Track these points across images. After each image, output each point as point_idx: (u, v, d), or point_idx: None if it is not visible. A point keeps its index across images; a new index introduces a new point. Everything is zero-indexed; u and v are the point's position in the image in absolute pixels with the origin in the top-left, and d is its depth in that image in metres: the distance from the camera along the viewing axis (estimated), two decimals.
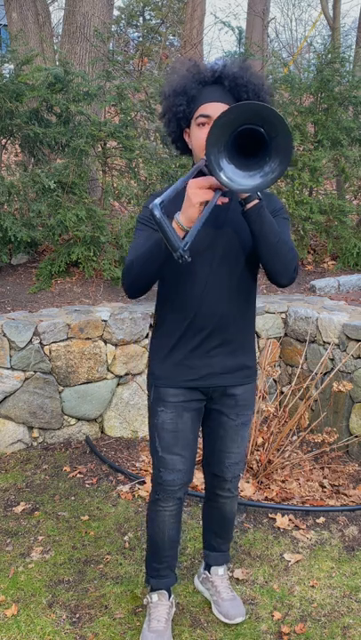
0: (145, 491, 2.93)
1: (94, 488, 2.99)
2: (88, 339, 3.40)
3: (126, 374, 3.55)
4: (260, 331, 3.83)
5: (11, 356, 3.24)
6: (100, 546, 2.53)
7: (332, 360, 3.47)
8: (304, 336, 3.69)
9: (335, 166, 4.97)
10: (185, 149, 1.82)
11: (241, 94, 1.67)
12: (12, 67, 4.32)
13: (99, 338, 3.43)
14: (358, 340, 3.29)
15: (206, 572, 2.22)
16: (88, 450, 3.39)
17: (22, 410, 3.31)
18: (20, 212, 4.04)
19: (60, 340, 3.33)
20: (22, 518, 2.72)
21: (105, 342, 3.46)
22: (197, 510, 2.79)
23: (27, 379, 3.29)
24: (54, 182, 3.85)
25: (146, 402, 3.34)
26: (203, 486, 2.86)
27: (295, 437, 3.37)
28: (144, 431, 3.61)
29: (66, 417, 3.44)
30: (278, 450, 3.10)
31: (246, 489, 2.90)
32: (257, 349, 3.85)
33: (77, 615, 2.14)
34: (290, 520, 2.71)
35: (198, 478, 2.98)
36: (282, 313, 3.87)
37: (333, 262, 4.95)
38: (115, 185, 4.45)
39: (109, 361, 3.48)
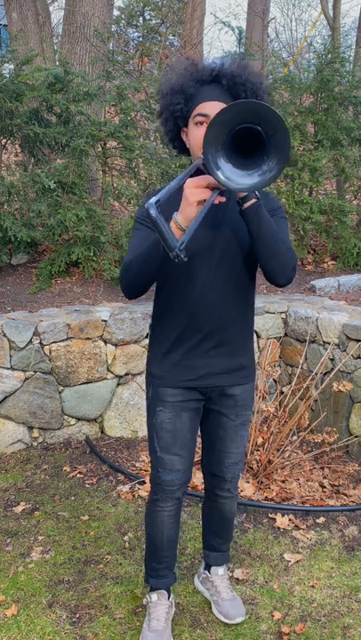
0: (145, 491, 2.93)
1: (94, 488, 2.99)
2: (88, 339, 3.40)
3: (126, 374, 3.55)
4: (260, 331, 3.83)
5: (11, 356, 3.24)
6: (100, 546, 2.53)
7: (332, 360, 3.47)
8: (304, 336, 3.69)
9: (335, 166, 4.97)
10: (182, 148, 1.81)
11: (239, 93, 1.66)
12: (12, 67, 4.32)
13: (99, 338, 3.43)
14: (358, 340, 3.29)
15: (206, 572, 2.22)
16: (88, 450, 3.39)
17: (22, 410, 3.31)
18: (20, 211, 4.04)
19: (60, 340, 3.33)
20: (22, 518, 2.72)
21: (105, 342, 3.46)
22: (197, 510, 2.79)
23: (27, 379, 3.29)
24: (54, 182, 3.85)
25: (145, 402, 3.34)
26: (203, 486, 2.87)
27: (295, 437, 3.37)
28: (144, 431, 3.61)
29: (66, 417, 3.44)
30: (278, 450, 3.10)
31: (246, 489, 2.90)
32: (257, 349, 3.85)
33: (77, 615, 2.14)
34: (290, 520, 2.71)
35: (198, 478, 2.98)
36: (282, 313, 3.87)
37: (333, 262, 4.95)
38: (115, 185, 4.45)
39: (109, 361, 3.48)
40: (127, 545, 2.54)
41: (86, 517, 2.73)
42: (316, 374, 3.42)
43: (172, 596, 2.09)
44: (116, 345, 3.48)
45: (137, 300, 3.87)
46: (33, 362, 3.28)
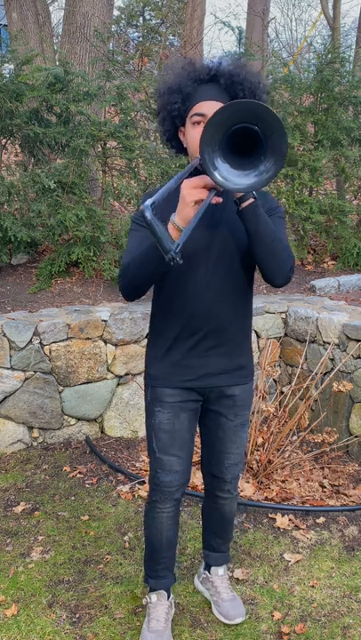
0: (145, 491, 2.93)
1: (94, 488, 2.99)
2: (88, 339, 3.40)
3: (126, 374, 3.55)
4: (260, 331, 3.83)
5: (11, 356, 3.24)
6: (100, 546, 2.53)
7: (332, 360, 3.47)
8: (304, 336, 3.69)
9: (335, 166, 4.97)
10: (180, 148, 1.80)
11: (237, 92, 1.65)
12: (12, 67, 4.32)
13: (99, 338, 3.43)
14: (358, 340, 3.29)
15: (206, 572, 2.21)
16: (88, 450, 3.39)
17: (22, 410, 3.31)
18: (20, 211, 4.04)
19: (60, 340, 3.33)
20: (22, 518, 2.72)
21: (105, 342, 3.46)
22: (197, 510, 2.79)
23: (27, 379, 3.29)
24: (54, 182, 3.85)
25: None
26: (203, 486, 2.87)
27: (295, 437, 3.37)
28: (144, 431, 3.60)
29: (66, 417, 3.44)
30: (278, 450, 3.10)
31: (246, 489, 2.90)
32: (257, 349, 3.85)
33: (77, 615, 2.14)
34: (290, 520, 2.71)
35: (198, 478, 2.98)
36: (282, 313, 3.87)
37: (333, 262, 4.95)
38: (115, 185, 4.45)
39: (109, 361, 3.48)
40: (127, 545, 2.54)
41: (86, 517, 2.73)
42: (316, 374, 3.42)
43: (171, 596, 2.09)
44: (116, 345, 3.48)
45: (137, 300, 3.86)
46: (33, 362, 3.28)
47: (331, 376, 3.29)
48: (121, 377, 3.54)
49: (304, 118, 4.64)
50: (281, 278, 1.66)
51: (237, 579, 2.34)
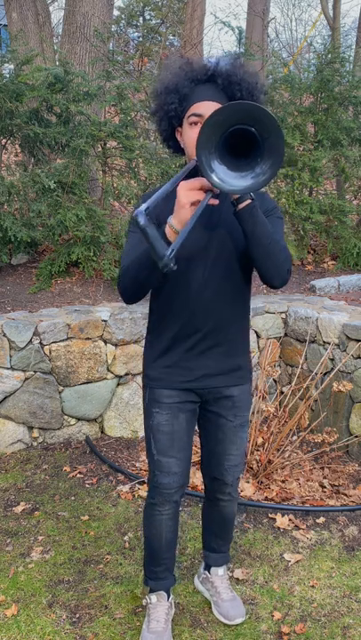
0: (145, 491, 2.93)
1: (94, 488, 2.99)
2: (88, 339, 3.40)
3: (126, 374, 3.55)
4: (260, 331, 3.83)
5: (11, 356, 3.24)
6: (100, 546, 2.53)
7: (332, 360, 3.47)
8: (304, 336, 3.69)
9: (335, 166, 4.97)
10: (177, 148, 1.79)
11: (234, 93, 1.64)
12: (12, 67, 4.32)
13: (99, 338, 3.43)
14: (358, 340, 3.29)
15: (206, 573, 2.21)
16: (88, 450, 3.39)
17: (22, 410, 3.31)
18: (20, 211, 4.04)
19: (60, 340, 3.33)
20: (22, 518, 2.72)
21: (105, 342, 3.46)
22: (197, 510, 2.79)
23: (27, 379, 3.29)
24: (54, 182, 3.85)
25: None
26: (203, 486, 2.87)
27: (295, 437, 3.37)
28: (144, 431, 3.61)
29: (66, 417, 3.44)
30: (278, 450, 3.10)
31: (246, 489, 2.90)
32: (257, 349, 3.85)
33: (77, 615, 2.14)
34: (290, 520, 2.71)
35: (198, 478, 2.98)
36: (282, 313, 3.87)
37: (333, 262, 4.95)
38: (115, 185, 4.45)
39: (109, 361, 3.48)
40: (127, 545, 2.54)
41: (86, 517, 2.73)
42: (316, 374, 3.42)
43: (171, 596, 2.08)
44: (116, 345, 3.48)
45: None
46: (33, 362, 3.28)
47: (331, 376, 3.29)
48: (121, 377, 3.54)
49: (304, 118, 4.64)
50: (278, 280, 1.65)
51: (237, 579, 2.34)
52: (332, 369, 3.40)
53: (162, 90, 1.69)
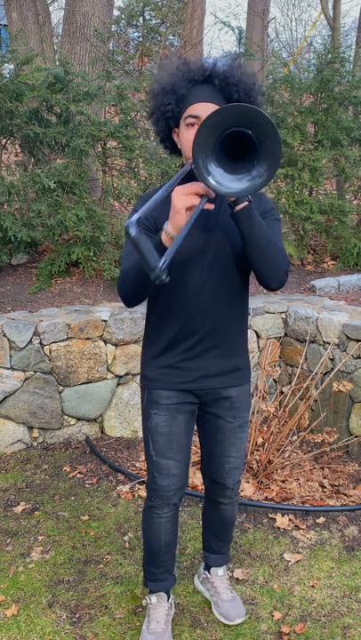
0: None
1: (94, 488, 2.99)
2: (88, 339, 3.40)
3: (126, 374, 3.55)
4: (260, 331, 3.83)
5: (11, 356, 3.24)
6: (100, 546, 2.53)
7: (332, 360, 3.47)
8: (304, 336, 3.69)
9: (335, 166, 4.97)
10: (174, 149, 1.78)
11: (232, 94, 1.63)
12: (12, 67, 4.32)
13: (99, 338, 3.43)
14: (358, 340, 3.29)
15: (206, 573, 2.21)
16: (88, 450, 3.39)
17: (22, 410, 3.31)
18: (20, 211, 4.04)
19: (60, 340, 3.33)
20: (22, 518, 2.72)
21: (105, 342, 3.46)
22: (197, 510, 2.79)
23: (27, 379, 3.29)
24: (54, 182, 3.85)
25: None
26: (203, 486, 2.87)
27: (295, 437, 3.37)
28: None
29: (66, 417, 3.44)
30: (278, 450, 3.10)
31: (246, 489, 2.90)
32: (257, 349, 3.85)
33: (77, 615, 2.14)
34: (290, 520, 2.71)
35: (198, 478, 2.98)
36: (282, 313, 3.87)
37: (333, 262, 4.95)
38: (115, 185, 4.45)
39: (109, 361, 3.48)
40: (127, 545, 2.54)
41: (86, 517, 2.73)
42: (316, 374, 3.42)
43: (171, 597, 2.08)
44: (116, 345, 3.48)
45: None
46: (33, 362, 3.28)
47: (331, 376, 3.29)
48: (121, 377, 3.54)
49: (304, 118, 4.64)
50: (276, 282, 1.65)
51: (237, 579, 2.34)
52: (332, 369, 3.40)
53: (159, 90, 1.67)
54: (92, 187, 4.68)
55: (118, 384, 3.54)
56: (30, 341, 3.26)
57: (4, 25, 6.33)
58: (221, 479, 1.95)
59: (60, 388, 3.38)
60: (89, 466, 3.21)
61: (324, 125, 4.64)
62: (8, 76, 4.12)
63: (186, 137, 1.65)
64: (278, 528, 2.67)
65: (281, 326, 3.87)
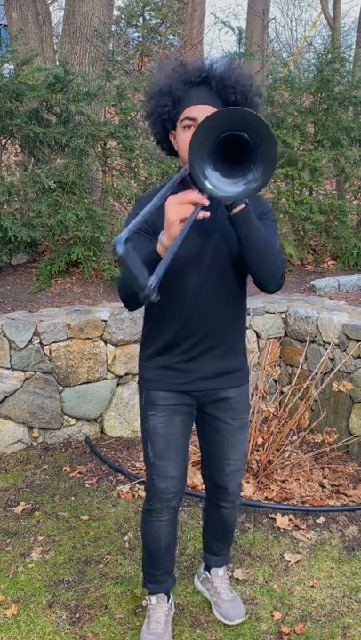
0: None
1: (94, 488, 2.99)
2: (88, 339, 3.40)
3: (126, 374, 3.55)
4: (260, 331, 3.83)
5: (11, 356, 3.24)
6: (100, 546, 2.53)
7: (332, 360, 3.47)
8: (304, 336, 3.69)
9: (335, 166, 4.97)
10: (171, 150, 1.77)
11: (228, 96, 1.62)
12: (12, 67, 4.32)
13: (99, 338, 3.43)
14: (358, 340, 3.29)
15: (206, 573, 2.21)
16: (88, 450, 3.39)
17: (22, 410, 3.31)
18: (20, 211, 4.04)
19: (60, 340, 3.33)
20: (22, 518, 2.72)
21: (105, 342, 3.46)
22: (197, 510, 2.79)
23: (27, 379, 3.29)
24: (54, 182, 3.85)
25: None
26: (203, 486, 2.87)
27: (295, 437, 3.37)
28: None
29: (66, 417, 3.44)
30: (278, 450, 3.10)
31: (246, 489, 2.90)
32: (257, 349, 3.85)
33: (77, 615, 2.14)
34: (290, 520, 2.71)
35: (198, 478, 2.98)
36: (282, 313, 3.87)
37: (333, 262, 4.95)
38: (115, 185, 4.45)
39: (109, 361, 3.48)
40: (127, 545, 2.54)
41: (86, 517, 2.73)
42: (316, 374, 3.42)
43: (171, 597, 2.08)
44: (116, 345, 3.48)
45: None
46: (33, 362, 3.28)
47: (331, 376, 3.29)
48: (121, 377, 3.54)
49: (304, 118, 4.64)
50: (273, 285, 1.65)
51: (237, 579, 2.34)
52: (333, 369, 3.40)
53: (155, 92, 1.67)
54: (92, 187, 4.68)
55: (118, 384, 3.54)
56: (30, 341, 3.26)
57: (4, 25, 6.34)
58: (222, 482, 1.94)
59: (60, 388, 3.38)
60: (89, 466, 3.21)
61: (324, 125, 4.64)
62: (8, 76, 4.12)
63: (183, 139, 1.64)
64: (278, 528, 2.67)
65: (281, 326, 3.87)
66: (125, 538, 2.58)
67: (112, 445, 3.46)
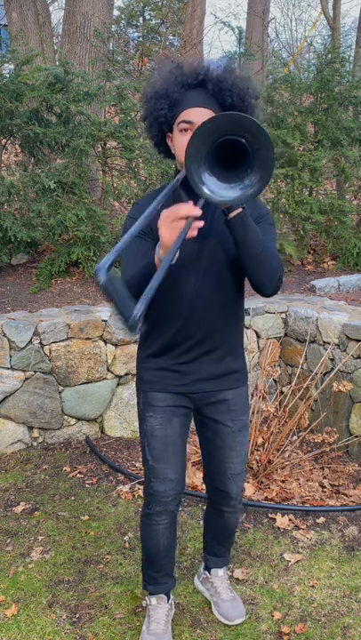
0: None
1: (94, 488, 2.99)
2: (88, 339, 3.40)
3: (126, 374, 3.55)
4: (260, 331, 3.83)
5: (11, 356, 3.24)
6: (100, 546, 2.53)
7: (332, 360, 3.47)
8: (304, 336, 3.69)
9: (335, 166, 4.97)
10: (168, 153, 1.76)
11: (225, 99, 1.61)
12: (12, 67, 4.32)
13: (99, 338, 3.43)
14: (358, 340, 3.29)
15: (206, 573, 2.21)
16: (88, 450, 3.39)
17: (22, 410, 3.31)
18: (20, 211, 4.04)
19: (60, 340, 3.33)
20: (22, 518, 2.72)
21: (105, 342, 3.46)
22: (197, 510, 2.79)
23: (27, 379, 3.29)
24: (54, 182, 3.85)
25: None
26: (203, 486, 2.87)
27: (295, 437, 3.37)
28: None
29: (66, 417, 3.44)
30: (278, 450, 3.10)
31: (246, 489, 2.90)
32: (257, 349, 3.85)
33: (77, 615, 2.14)
34: (290, 520, 2.71)
35: (198, 478, 2.98)
36: (282, 313, 3.87)
37: (333, 262, 4.95)
38: (115, 185, 4.45)
39: (109, 361, 3.48)
40: (127, 545, 2.54)
41: (86, 517, 2.73)
42: (316, 374, 3.42)
43: (171, 597, 2.08)
44: (116, 345, 3.48)
45: None
46: (33, 362, 3.28)
47: (331, 376, 3.29)
48: (121, 377, 3.54)
49: (304, 118, 4.64)
50: (270, 288, 1.64)
51: (237, 579, 2.34)
52: (332, 369, 3.40)
53: (152, 95, 1.66)
54: (92, 187, 4.68)
55: (118, 384, 3.54)
56: (30, 341, 3.26)
57: (4, 25, 6.34)
58: (224, 486, 1.93)
59: (60, 387, 3.38)
60: (89, 466, 3.21)
61: (324, 125, 4.64)
62: (8, 76, 4.12)
63: (179, 142, 1.63)
64: (278, 528, 2.67)
65: (281, 326, 3.87)
66: (125, 538, 2.58)
67: (112, 445, 3.46)
